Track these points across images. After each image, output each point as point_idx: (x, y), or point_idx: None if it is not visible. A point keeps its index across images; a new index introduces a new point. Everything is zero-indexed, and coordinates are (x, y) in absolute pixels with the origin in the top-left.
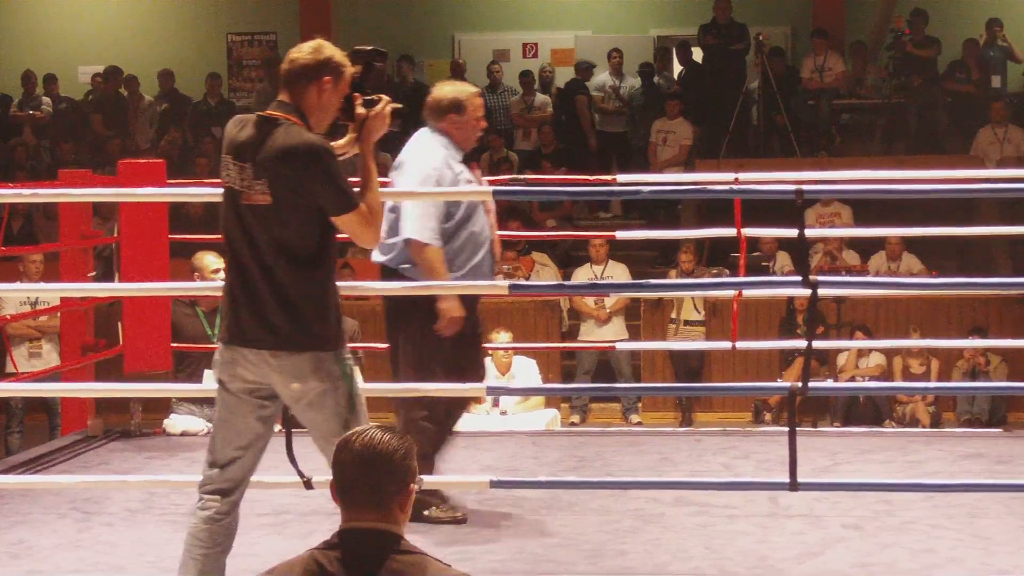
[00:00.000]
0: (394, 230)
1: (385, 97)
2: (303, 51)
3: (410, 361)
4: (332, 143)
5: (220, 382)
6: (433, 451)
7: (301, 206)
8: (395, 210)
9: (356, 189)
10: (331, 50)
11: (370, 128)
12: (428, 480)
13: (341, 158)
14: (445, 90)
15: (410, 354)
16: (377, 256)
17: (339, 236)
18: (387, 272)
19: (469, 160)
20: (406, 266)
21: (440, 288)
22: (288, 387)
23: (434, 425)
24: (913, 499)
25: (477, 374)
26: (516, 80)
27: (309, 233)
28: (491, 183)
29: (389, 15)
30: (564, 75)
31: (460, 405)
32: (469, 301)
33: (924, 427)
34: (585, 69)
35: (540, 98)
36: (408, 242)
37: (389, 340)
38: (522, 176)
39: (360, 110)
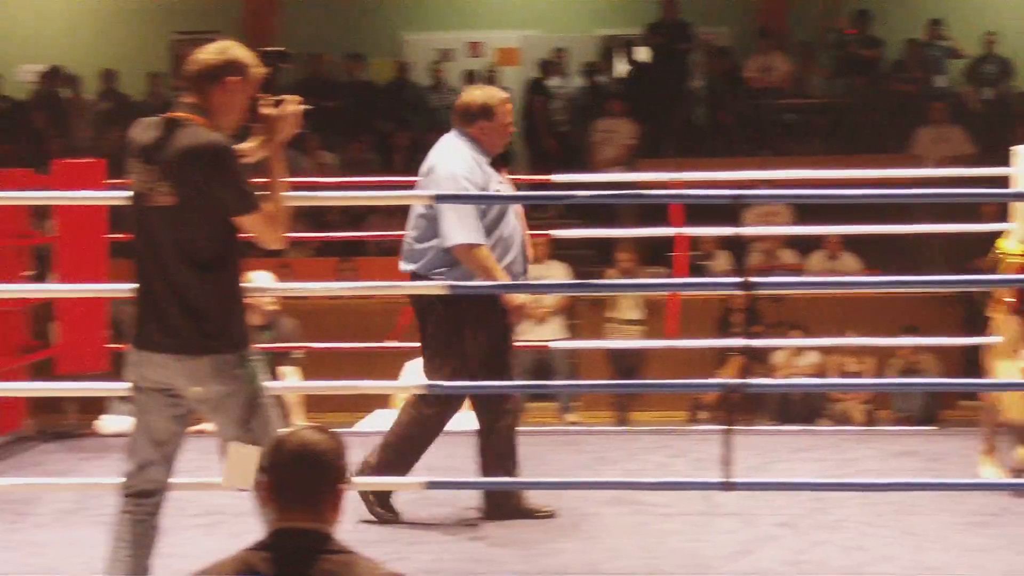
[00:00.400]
0: (424, 236)
1: (292, 98)
2: (208, 51)
3: (444, 363)
4: (241, 145)
5: (132, 383)
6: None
7: (205, 207)
8: (426, 216)
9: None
10: (237, 50)
11: (278, 129)
12: (364, 482)
13: (246, 160)
14: (475, 95)
15: (442, 356)
16: (406, 265)
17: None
18: (417, 280)
19: (496, 165)
20: (440, 270)
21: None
22: (191, 390)
23: (440, 422)
24: (846, 497)
25: (509, 376)
26: (461, 79)
27: (213, 235)
28: None
29: (333, 14)
30: (510, 75)
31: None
32: (502, 304)
33: (858, 425)
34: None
35: None
36: (456, 248)
37: (421, 342)
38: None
39: (267, 111)
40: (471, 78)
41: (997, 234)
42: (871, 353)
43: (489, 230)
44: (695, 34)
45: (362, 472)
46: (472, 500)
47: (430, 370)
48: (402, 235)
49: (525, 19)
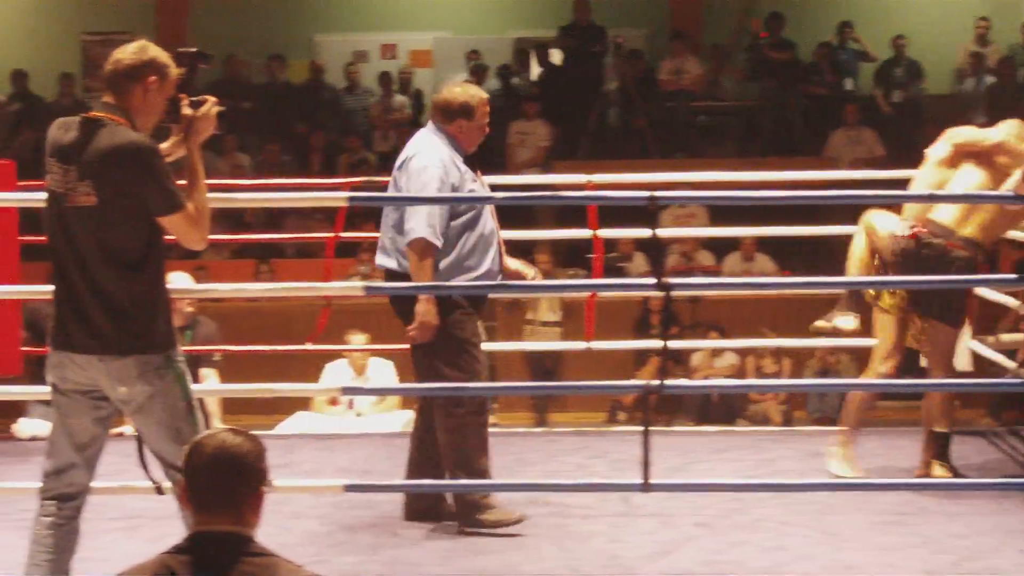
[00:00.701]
0: (400, 230)
1: (211, 98)
2: (127, 51)
3: (446, 362)
4: (160, 145)
5: (53, 385)
6: (484, 445)
7: (127, 207)
8: (400, 210)
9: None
10: (155, 51)
11: (197, 129)
12: (280, 484)
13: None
14: (455, 93)
15: (443, 355)
16: (387, 261)
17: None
18: (395, 277)
19: (471, 164)
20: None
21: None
22: (116, 391)
23: (479, 417)
24: (764, 497)
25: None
26: (375, 81)
27: (136, 235)
28: (347, 186)
29: (246, 15)
30: (423, 77)
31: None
32: (475, 304)
33: (776, 425)
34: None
35: (399, 99)
36: (415, 241)
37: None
38: (379, 179)
39: (186, 111)
40: (385, 80)
41: None
42: (788, 354)
43: (464, 229)
44: (608, 36)
45: (464, 511)
46: (394, 503)
47: (423, 368)
48: (319, 237)
49: (438, 21)
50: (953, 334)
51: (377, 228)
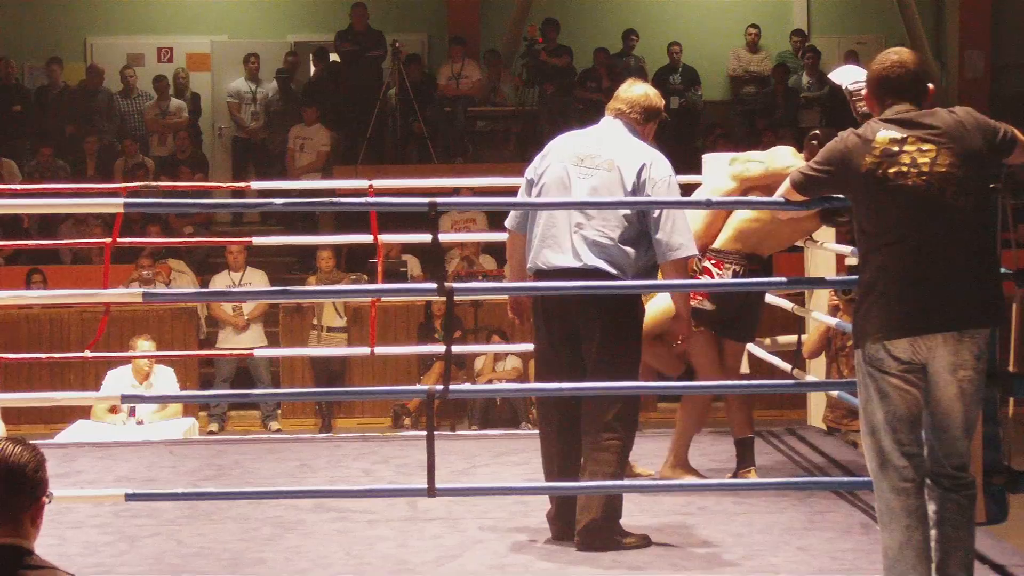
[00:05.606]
0: (627, 238)
1: None
2: None
3: (627, 368)
4: None
5: None
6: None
7: None
8: (630, 216)
9: None
10: None
11: None
12: (60, 494)
13: None
14: (653, 95)
15: (628, 361)
16: (594, 260)
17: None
18: (598, 278)
19: None
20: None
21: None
22: None
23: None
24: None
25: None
26: (151, 85)
27: None
28: (124, 191)
29: (18, 17)
30: (199, 80)
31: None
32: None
33: None
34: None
35: (175, 103)
36: (686, 259)
37: (567, 346)
38: (155, 184)
39: None
40: (161, 83)
41: None
42: None
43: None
44: (386, 41)
45: (592, 529)
46: (178, 511)
47: (606, 373)
48: (95, 243)
49: (215, 24)
50: (716, 347)
51: (164, 233)
